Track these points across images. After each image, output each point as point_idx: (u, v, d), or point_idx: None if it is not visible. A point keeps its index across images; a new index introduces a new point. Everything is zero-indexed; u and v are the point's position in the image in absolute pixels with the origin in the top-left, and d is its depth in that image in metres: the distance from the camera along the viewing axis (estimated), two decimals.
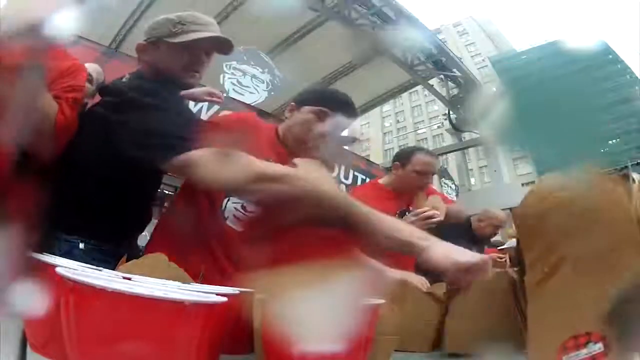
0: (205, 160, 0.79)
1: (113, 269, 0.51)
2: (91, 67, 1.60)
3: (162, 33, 1.01)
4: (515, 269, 0.56)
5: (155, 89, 0.91)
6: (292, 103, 1.15)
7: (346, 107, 1.13)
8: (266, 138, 1.13)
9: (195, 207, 1.04)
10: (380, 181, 1.92)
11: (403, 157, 1.84)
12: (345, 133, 1.31)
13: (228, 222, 1.01)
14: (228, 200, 1.03)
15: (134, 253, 1.12)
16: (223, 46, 1.06)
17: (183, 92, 1.17)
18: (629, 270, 0.44)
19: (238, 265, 0.96)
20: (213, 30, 1.03)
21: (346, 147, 1.84)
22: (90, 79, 1.55)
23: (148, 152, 0.82)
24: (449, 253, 0.65)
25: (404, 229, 0.75)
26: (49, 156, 0.88)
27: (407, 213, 1.85)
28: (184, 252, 1.01)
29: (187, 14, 1.04)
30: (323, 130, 1.06)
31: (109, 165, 0.94)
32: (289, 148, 1.12)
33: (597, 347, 0.44)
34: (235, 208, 1.03)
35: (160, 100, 0.88)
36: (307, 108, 1.11)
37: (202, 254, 0.99)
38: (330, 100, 1.11)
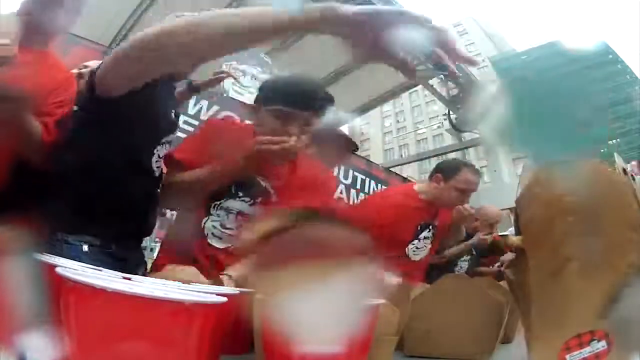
0: None
1: (121, 271, 0.50)
2: (97, 65, 1.60)
3: None
4: (513, 270, 0.56)
5: None
6: (254, 103, 1.10)
7: (304, 98, 1.02)
8: (247, 139, 1.10)
9: (194, 213, 1.04)
10: (415, 188, 1.81)
11: (448, 170, 1.74)
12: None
13: (209, 240, 1.01)
14: (208, 219, 1.02)
15: (139, 257, 1.13)
16: None
17: (195, 84, 1.27)
18: (631, 269, 0.44)
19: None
20: None
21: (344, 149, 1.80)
22: None
23: None
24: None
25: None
26: (40, 165, 0.92)
27: (430, 227, 1.79)
28: (190, 257, 1.02)
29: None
30: (287, 129, 0.98)
31: (108, 163, 0.95)
32: None
33: (601, 345, 0.44)
34: (213, 226, 1.02)
35: None
36: (264, 109, 1.04)
37: (207, 260, 0.99)
38: (283, 96, 1.01)
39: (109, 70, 0.78)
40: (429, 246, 1.82)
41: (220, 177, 1.00)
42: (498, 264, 2.68)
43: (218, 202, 1.04)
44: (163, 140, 1.06)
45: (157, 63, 0.71)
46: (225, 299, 0.43)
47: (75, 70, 1.41)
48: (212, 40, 0.65)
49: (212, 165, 1.00)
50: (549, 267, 0.47)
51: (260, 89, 1.12)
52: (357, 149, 2.00)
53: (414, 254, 1.78)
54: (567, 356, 0.45)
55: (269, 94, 1.06)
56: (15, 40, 0.84)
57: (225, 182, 1.02)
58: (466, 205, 1.81)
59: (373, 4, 5.70)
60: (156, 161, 1.06)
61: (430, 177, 1.81)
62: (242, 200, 1.05)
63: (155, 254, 1.20)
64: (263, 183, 1.07)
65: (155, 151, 1.05)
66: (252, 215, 1.04)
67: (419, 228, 1.76)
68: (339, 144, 1.62)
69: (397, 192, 1.91)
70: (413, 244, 1.77)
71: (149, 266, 1.14)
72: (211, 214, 1.03)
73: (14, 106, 0.83)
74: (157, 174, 1.06)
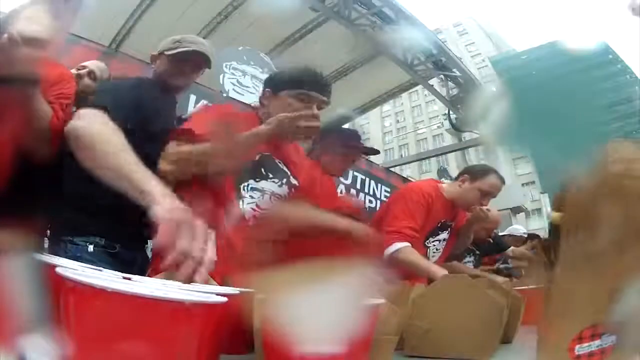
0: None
1: (124, 272, 0.50)
2: (94, 65, 1.61)
3: (165, 47, 1.24)
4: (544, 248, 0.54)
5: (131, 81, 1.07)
6: (267, 89, 1.13)
7: (323, 84, 1.10)
8: (251, 126, 1.08)
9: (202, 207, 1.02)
10: (443, 186, 1.84)
11: (476, 172, 1.78)
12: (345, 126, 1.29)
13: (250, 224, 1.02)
14: (242, 201, 1.02)
15: (145, 257, 1.12)
16: (201, 59, 1.26)
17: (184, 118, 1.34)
18: None
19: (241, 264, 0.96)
20: (200, 47, 1.24)
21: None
22: (93, 76, 1.56)
23: None
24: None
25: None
26: (45, 157, 0.91)
27: (449, 228, 1.81)
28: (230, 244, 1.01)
29: (189, 36, 1.28)
30: (311, 113, 1.03)
31: None
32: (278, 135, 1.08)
33: (610, 340, 0.44)
34: (252, 209, 1.02)
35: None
36: (285, 93, 1.07)
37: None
38: (306, 81, 1.08)
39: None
40: (442, 250, 1.84)
41: (241, 148, 1.00)
42: (500, 262, 2.68)
43: (246, 184, 1.04)
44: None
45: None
46: (225, 299, 0.43)
47: (74, 71, 1.41)
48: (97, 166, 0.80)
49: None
50: (585, 248, 0.46)
51: (275, 78, 1.16)
52: (376, 152, 1.98)
53: (432, 256, 1.80)
54: (577, 346, 0.44)
55: (289, 80, 1.11)
56: (46, 25, 0.83)
57: (242, 158, 1.02)
58: (484, 207, 1.83)
59: (374, 5, 5.69)
60: None
61: (457, 177, 1.84)
62: (273, 182, 1.07)
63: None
64: (281, 166, 1.10)
65: (161, 153, 1.04)
66: (283, 196, 1.07)
67: (439, 225, 1.77)
68: (347, 147, 1.63)
69: (426, 185, 1.92)
70: (433, 245, 1.78)
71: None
72: (244, 196, 1.03)
73: (28, 85, 0.84)
74: None
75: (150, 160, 1.03)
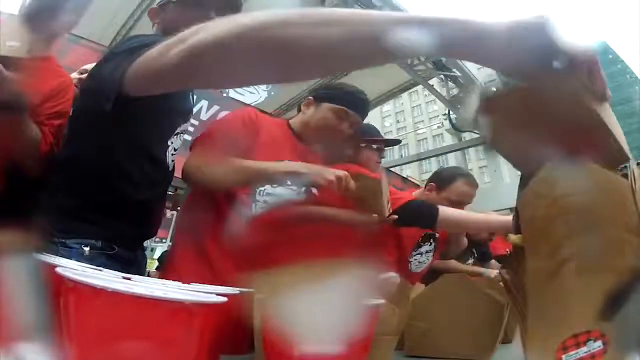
0: None
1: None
2: None
3: None
4: (509, 269, 0.56)
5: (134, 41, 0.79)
6: (310, 98, 1.22)
7: (363, 107, 1.22)
8: (281, 134, 1.18)
9: (215, 211, 1.02)
10: (413, 194, 1.71)
11: (442, 179, 1.66)
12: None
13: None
14: (255, 205, 1.04)
15: (142, 257, 1.11)
16: (229, 2, 0.95)
17: None
18: (629, 270, 0.44)
19: (241, 264, 0.96)
20: None
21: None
22: None
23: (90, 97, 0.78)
24: None
25: None
26: (34, 172, 0.88)
27: (431, 239, 1.69)
28: (212, 259, 1.01)
29: None
30: (342, 128, 1.16)
31: (119, 161, 0.91)
32: (306, 143, 1.20)
33: (597, 345, 0.44)
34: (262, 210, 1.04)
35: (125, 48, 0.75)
36: (326, 105, 1.18)
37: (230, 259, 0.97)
38: (349, 100, 1.19)
39: (142, 71, 0.67)
40: (431, 260, 1.77)
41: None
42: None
43: (262, 189, 1.06)
44: (178, 131, 1.02)
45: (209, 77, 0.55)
46: (225, 299, 0.43)
47: (75, 75, 1.40)
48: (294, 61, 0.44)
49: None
50: (547, 266, 0.47)
51: (322, 90, 1.26)
52: (398, 142, 1.96)
53: (416, 267, 1.71)
54: (564, 356, 0.45)
55: (336, 94, 1.22)
56: (25, 42, 0.81)
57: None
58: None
59: (374, 5, 5.70)
60: (172, 154, 1.01)
61: (426, 185, 1.74)
62: (292, 189, 1.09)
63: (155, 254, 1.20)
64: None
65: (170, 143, 1.00)
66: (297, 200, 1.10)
67: (419, 239, 1.68)
68: (371, 141, 1.61)
69: (401, 197, 1.89)
70: (415, 258, 1.70)
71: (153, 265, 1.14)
72: (257, 200, 1.04)
73: (12, 112, 0.81)
74: (170, 167, 1.03)
75: (160, 143, 0.98)
